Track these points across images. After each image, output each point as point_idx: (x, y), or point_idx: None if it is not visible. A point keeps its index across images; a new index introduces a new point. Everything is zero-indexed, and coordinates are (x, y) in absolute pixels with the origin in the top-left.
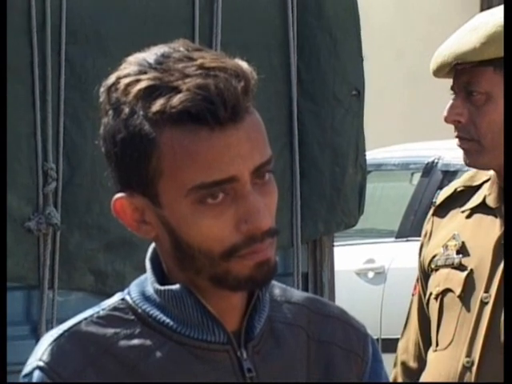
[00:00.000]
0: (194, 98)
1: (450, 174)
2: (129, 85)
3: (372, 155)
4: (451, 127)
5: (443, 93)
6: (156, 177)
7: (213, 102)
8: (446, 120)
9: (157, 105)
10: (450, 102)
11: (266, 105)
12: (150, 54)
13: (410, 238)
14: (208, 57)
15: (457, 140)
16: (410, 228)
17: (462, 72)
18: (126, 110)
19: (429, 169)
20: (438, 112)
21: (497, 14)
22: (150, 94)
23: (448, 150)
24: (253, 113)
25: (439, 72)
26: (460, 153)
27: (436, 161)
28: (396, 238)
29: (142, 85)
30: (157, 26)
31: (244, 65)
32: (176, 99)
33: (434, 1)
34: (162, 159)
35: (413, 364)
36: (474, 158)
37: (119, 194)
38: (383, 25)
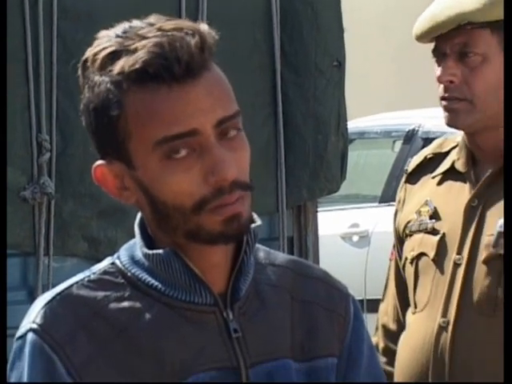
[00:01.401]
0: (150, 56)
1: (429, 141)
2: (95, 54)
3: (355, 124)
4: (433, 97)
5: (426, 64)
6: (126, 139)
7: (167, 59)
8: (440, 80)
9: (117, 67)
10: (437, 65)
11: (251, 77)
12: (119, 27)
13: (392, 203)
14: (170, 23)
15: (444, 102)
16: (393, 193)
17: (457, 34)
18: (95, 78)
19: (410, 136)
20: (421, 82)
21: None
22: (112, 58)
23: (428, 119)
24: (213, 69)
25: (429, 34)
26: (439, 121)
27: (416, 129)
28: (379, 202)
29: (106, 52)
30: (145, 2)
31: (203, 26)
32: (132, 58)
33: None
34: (128, 120)
35: (392, 326)
36: (462, 118)
37: (98, 162)
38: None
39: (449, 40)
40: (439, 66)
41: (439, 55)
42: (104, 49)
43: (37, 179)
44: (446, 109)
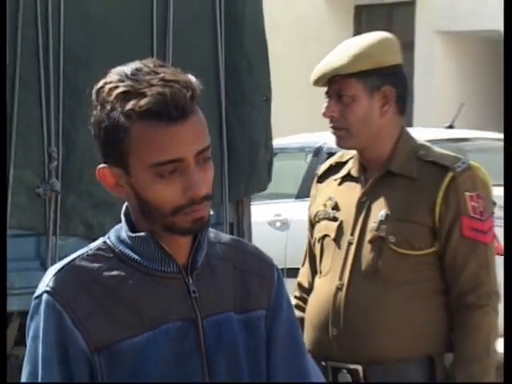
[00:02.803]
0: (155, 101)
1: (332, 155)
2: (111, 89)
3: (279, 141)
4: None
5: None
6: (126, 155)
7: (167, 105)
8: (324, 115)
9: (130, 104)
10: (325, 103)
11: (205, 111)
12: (128, 68)
13: (305, 199)
14: (168, 72)
15: (331, 130)
16: (305, 192)
17: (334, 81)
18: (109, 106)
19: (317, 151)
20: None
21: (361, 38)
22: (125, 96)
23: (331, 138)
24: (197, 112)
25: (318, 82)
26: None
27: (323, 145)
28: (295, 198)
29: (120, 90)
30: (131, 42)
31: (193, 79)
32: (143, 101)
33: (324, 30)
34: (131, 143)
35: (306, 285)
36: (344, 141)
37: (102, 165)
38: (287, 52)
39: (330, 86)
40: (327, 103)
41: (328, 96)
42: (118, 87)
43: (47, 180)
44: (333, 134)
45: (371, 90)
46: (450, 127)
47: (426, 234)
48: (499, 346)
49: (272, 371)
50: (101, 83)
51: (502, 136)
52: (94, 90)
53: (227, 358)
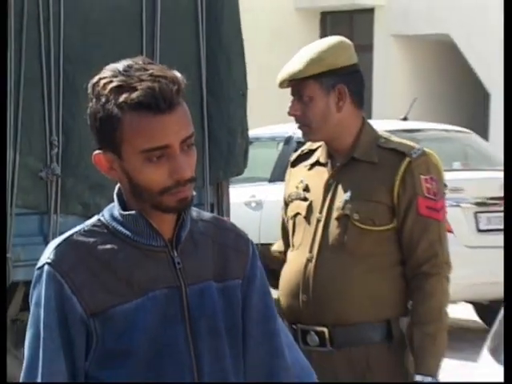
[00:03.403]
0: (145, 94)
1: (301, 144)
2: (105, 83)
3: (253, 132)
4: None
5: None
6: (119, 142)
7: (156, 98)
8: (289, 114)
9: (122, 97)
10: (290, 103)
11: (188, 104)
12: (120, 65)
13: (276, 182)
14: (156, 68)
15: (297, 125)
16: (277, 176)
17: (295, 84)
18: (103, 99)
19: (288, 140)
20: None
21: (315, 45)
22: (118, 90)
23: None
24: (182, 105)
25: (281, 85)
26: None
27: (292, 135)
28: (268, 182)
29: (114, 84)
30: (122, 44)
31: (178, 75)
32: (134, 94)
33: (293, 34)
34: (123, 132)
35: (279, 254)
36: (308, 136)
37: (97, 151)
38: (261, 54)
39: (291, 88)
40: (291, 103)
41: (292, 96)
42: (112, 81)
43: (49, 165)
44: (299, 129)
45: (327, 89)
46: (405, 119)
47: (386, 211)
48: (450, 310)
49: (247, 333)
50: (96, 78)
51: (449, 127)
52: (89, 85)
53: (208, 322)
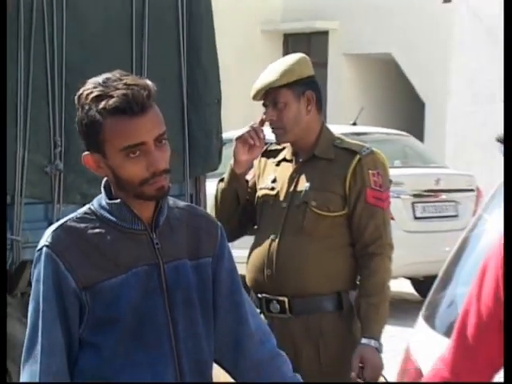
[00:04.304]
0: (121, 100)
1: (267, 144)
2: (88, 94)
3: (227, 134)
4: None
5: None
6: (102, 143)
7: (130, 103)
8: (265, 120)
9: (101, 104)
10: (265, 110)
11: (172, 108)
12: (100, 78)
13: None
14: (129, 78)
15: (271, 129)
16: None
17: (270, 93)
18: (86, 107)
19: None
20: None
21: (285, 59)
22: (97, 99)
23: (267, 131)
24: (154, 107)
25: (257, 96)
26: None
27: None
28: None
29: (94, 94)
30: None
31: (149, 82)
32: (111, 101)
33: (260, 52)
34: (105, 134)
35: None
36: (281, 138)
37: (85, 153)
38: (232, 69)
39: (266, 97)
40: (265, 111)
41: (265, 105)
42: (92, 92)
43: (53, 162)
44: (273, 133)
45: (298, 96)
46: (354, 124)
47: (339, 200)
48: (391, 285)
49: (217, 303)
50: (80, 91)
51: (390, 131)
52: (76, 97)
53: (183, 294)
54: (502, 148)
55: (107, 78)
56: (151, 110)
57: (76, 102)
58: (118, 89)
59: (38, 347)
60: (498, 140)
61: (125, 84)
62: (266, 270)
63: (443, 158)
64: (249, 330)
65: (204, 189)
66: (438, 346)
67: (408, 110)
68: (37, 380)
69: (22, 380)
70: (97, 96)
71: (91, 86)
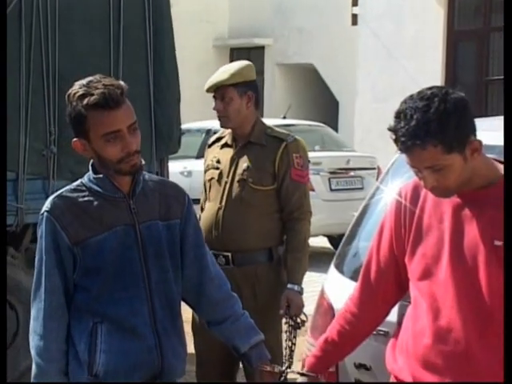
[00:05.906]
0: (100, 98)
1: (216, 133)
2: (74, 93)
3: (185, 126)
4: None
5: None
6: (87, 131)
7: (107, 99)
8: (214, 109)
9: (85, 101)
10: (214, 103)
11: (140, 101)
12: (84, 80)
13: (201, 158)
14: (107, 80)
15: (218, 117)
16: (201, 154)
17: (220, 89)
18: (74, 103)
19: (208, 132)
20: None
21: (235, 64)
22: (82, 96)
23: (217, 124)
24: (126, 102)
25: (210, 90)
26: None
27: (211, 128)
28: (195, 158)
29: (79, 93)
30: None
31: (122, 83)
32: (92, 98)
33: (210, 63)
34: (89, 124)
35: (203, 204)
36: (225, 123)
37: (74, 139)
38: (188, 75)
39: (217, 92)
40: (215, 102)
41: (215, 98)
42: (78, 91)
43: (49, 147)
44: (219, 119)
45: (241, 94)
46: (284, 118)
47: (270, 177)
48: (311, 241)
49: (184, 254)
50: (69, 91)
51: (312, 123)
52: (66, 96)
53: (155, 248)
54: (394, 136)
55: (90, 81)
56: (124, 105)
57: (66, 99)
58: (97, 88)
59: (42, 288)
60: (390, 129)
61: (103, 85)
62: (214, 232)
63: (352, 144)
64: (210, 275)
65: (167, 168)
66: (345, 287)
67: (325, 106)
68: (42, 313)
69: (31, 312)
70: (81, 95)
71: (77, 86)
